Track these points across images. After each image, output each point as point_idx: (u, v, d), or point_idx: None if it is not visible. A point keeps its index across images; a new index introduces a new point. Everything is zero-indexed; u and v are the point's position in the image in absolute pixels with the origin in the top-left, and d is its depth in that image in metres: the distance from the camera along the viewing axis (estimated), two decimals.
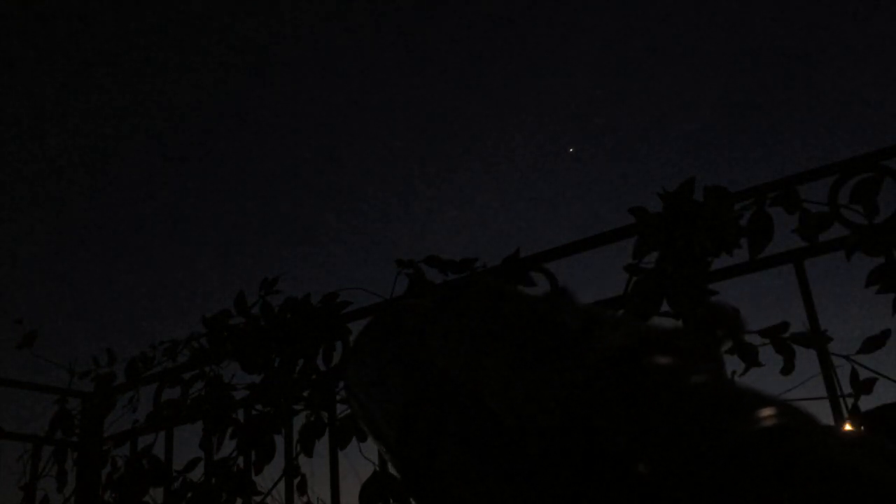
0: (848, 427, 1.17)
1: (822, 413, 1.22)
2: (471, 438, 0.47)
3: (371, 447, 1.59)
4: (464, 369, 0.52)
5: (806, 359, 1.26)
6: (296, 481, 1.66)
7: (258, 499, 1.67)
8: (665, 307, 1.35)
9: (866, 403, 1.19)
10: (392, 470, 1.54)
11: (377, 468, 1.54)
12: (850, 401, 1.21)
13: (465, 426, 0.49)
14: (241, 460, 1.71)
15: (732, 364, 1.30)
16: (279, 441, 1.69)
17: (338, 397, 1.65)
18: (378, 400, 0.57)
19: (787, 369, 1.26)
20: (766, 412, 0.40)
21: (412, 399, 0.53)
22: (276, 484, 1.67)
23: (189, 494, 1.74)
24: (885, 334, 1.22)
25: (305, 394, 1.68)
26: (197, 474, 1.76)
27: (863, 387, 1.20)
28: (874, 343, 1.22)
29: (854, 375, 1.21)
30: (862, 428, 1.07)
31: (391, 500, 1.51)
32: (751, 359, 1.28)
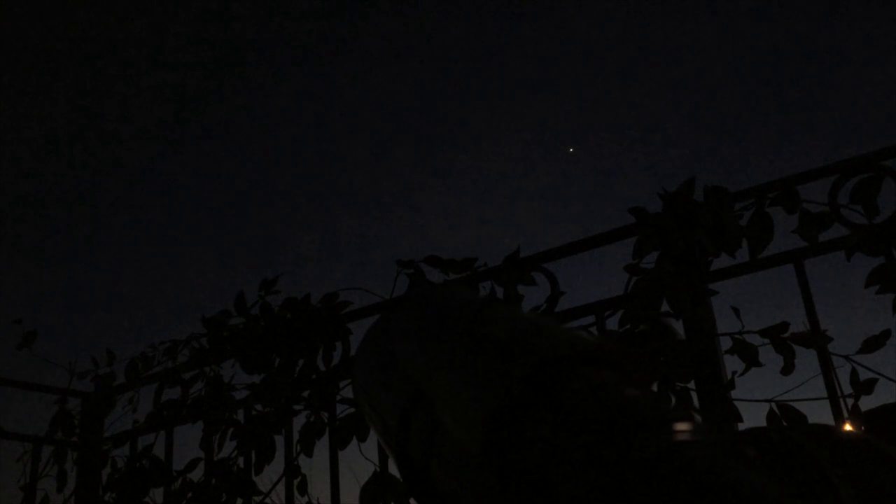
0: (848, 427, 1.17)
1: (823, 413, 1.22)
2: (446, 448, 0.48)
3: (371, 447, 1.59)
4: (422, 380, 0.52)
5: (806, 359, 1.26)
6: (296, 481, 1.66)
7: (258, 499, 1.67)
8: (665, 307, 1.35)
9: (866, 403, 1.19)
10: (392, 470, 1.54)
11: (377, 468, 1.54)
12: (850, 401, 1.21)
13: (440, 434, 0.49)
14: (241, 460, 1.71)
15: (733, 364, 1.30)
16: (279, 441, 1.69)
17: (338, 397, 1.65)
18: (378, 403, 0.58)
19: (788, 369, 1.26)
20: (680, 427, 0.40)
21: (407, 405, 0.53)
22: (276, 484, 1.67)
23: (189, 494, 1.74)
24: (886, 334, 1.22)
25: (305, 394, 1.68)
26: (197, 474, 1.77)
27: (863, 387, 1.20)
28: (874, 343, 1.22)
29: (854, 375, 1.21)
30: (862, 428, 1.07)
31: (392, 501, 1.51)
32: (751, 359, 1.28)
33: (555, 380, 0.43)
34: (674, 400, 1.29)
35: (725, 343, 1.31)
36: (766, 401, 1.25)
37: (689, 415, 0.42)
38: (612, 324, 1.40)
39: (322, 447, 1.64)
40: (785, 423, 1.21)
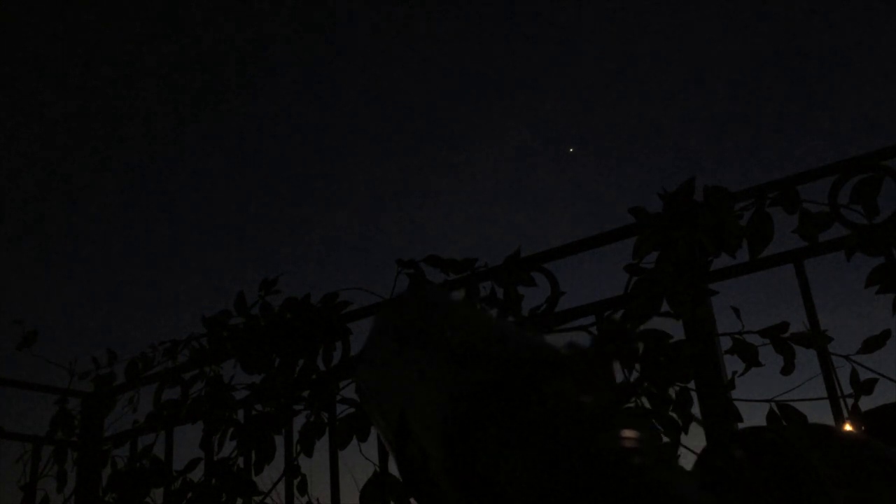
0: (848, 427, 1.17)
1: (823, 413, 1.22)
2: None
3: (371, 447, 1.59)
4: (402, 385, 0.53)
5: (806, 359, 1.26)
6: (296, 481, 1.66)
7: (258, 499, 1.67)
8: (665, 307, 1.35)
9: (866, 404, 1.19)
10: (392, 470, 1.54)
11: (377, 468, 1.54)
12: (850, 401, 1.21)
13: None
14: (241, 460, 1.71)
15: (733, 364, 1.30)
16: (279, 441, 1.69)
17: (338, 397, 1.65)
18: (380, 401, 0.58)
19: (788, 369, 1.26)
20: (627, 434, 0.42)
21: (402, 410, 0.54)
22: (276, 484, 1.67)
23: (189, 494, 1.74)
24: (886, 334, 1.21)
25: (305, 394, 1.67)
26: (197, 474, 1.76)
27: (863, 387, 1.20)
28: (874, 343, 1.22)
29: (854, 375, 1.21)
30: (862, 428, 1.07)
31: (391, 501, 1.51)
32: (751, 359, 1.28)
33: (512, 386, 0.44)
34: (674, 399, 1.29)
35: (725, 343, 1.31)
36: (766, 401, 1.25)
37: (638, 423, 0.43)
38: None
39: (322, 447, 1.64)
40: (785, 423, 1.21)
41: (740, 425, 1.26)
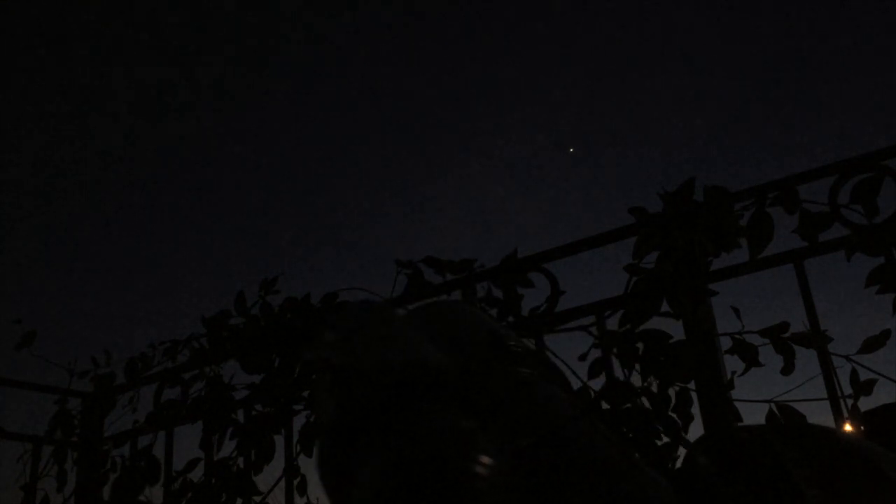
0: (848, 427, 1.17)
1: (823, 413, 1.22)
2: None
3: None
4: None
5: (806, 359, 1.26)
6: (296, 482, 1.66)
7: (258, 499, 1.67)
8: (665, 307, 1.35)
9: (866, 404, 1.19)
10: None
11: None
12: (850, 401, 1.21)
13: None
14: (241, 460, 1.71)
15: (733, 364, 1.30)
16: (279, 441, 1.69)
17: None
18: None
19: (788, 369, 1.26)
20: (482, 460, 0.46)
21: None
22: (276, 484, 1.67)
23: (189, 495, 1.74)
24: (886, 334, 1.21)
25: (305, 394, 1.67)
26: (197, 474, 1.77)
27: (863, 387, 1.20)
28: (874, 343, 1.22)
29: (854, 375, 1.21)
30: (862, 428, 1.07)
31: None
32: (751, 359, 1.28)
33: (381, 406, 0.47)
34: (674, 400, 1.28)
35: (725, 343, 1.31)
36: (766, 401, 1.25)
37: (488, 450, 0.45)
38: (612, 324, 1.40)
39: None
40: (784, 424, 1.21)
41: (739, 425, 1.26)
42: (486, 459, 0.43)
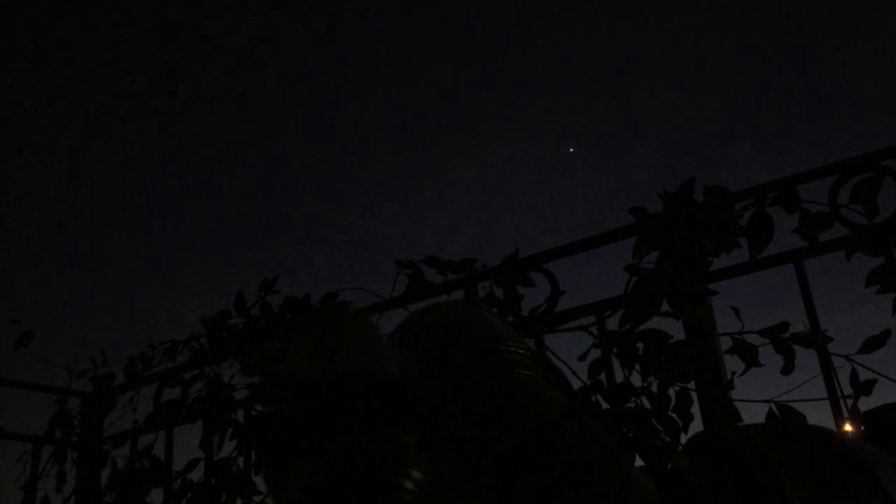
0: (848, 427, 1.17)
1: (823, 413, 1.22)
2: None
3: None
4: None
5: (806, 359, 1.26)
6: None
7: (258, 499, 1.67)
8: (665, 307, 1.34)
9: (866, 404, 1.19)
10: None
11: None
12: (850, 401, 1.21)
13: None
14: (241, 460, 1.71)
15: (733, 364, 1.30)
16: None
17: None
18: None
19: (788, 369, 1.26)
20: (413, 474, 0.49)
21: None
22: None
23: (189, 495, 1.74)
24: (886, 334, 1.21)
25: None
26: (197, 474, 1.76)
27: (863, 387, 1.20)
28: (874, 343, 1.22)
29: (854, 376, 1.21)
30: (862, 428, 1.07)
31: None
32: (751, 359, 1.28)
33: (319, 417, 0.49)
34: (674, 399, 1.28)
35: (725, 343, 1.31)
36: (766, 401, 1.25)
37: (419, 463, 0.47)
38: (612, 323, 1.40)
39: None
40: (775, 424, 1.21)
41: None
42: (417, 476, 0.44)
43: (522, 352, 0.76)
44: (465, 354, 0.69)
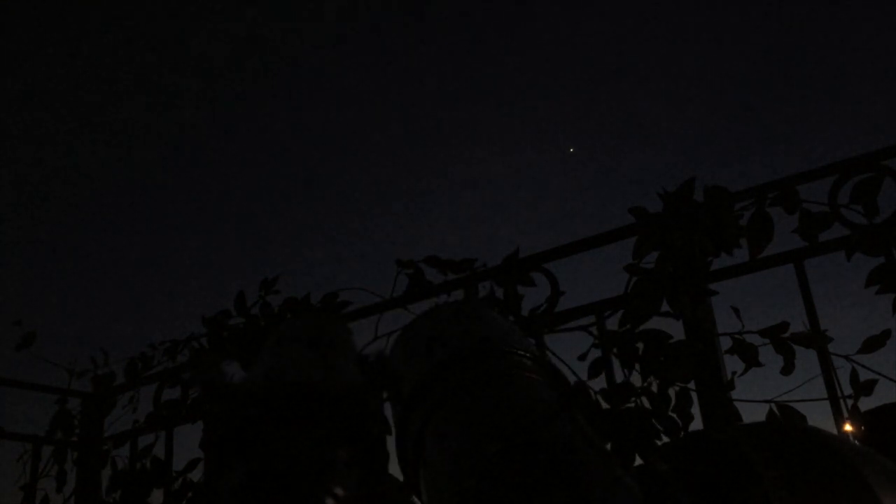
0: (848, 427, 1.17)
1: (823, 413, 1.22)
2: None
3: None
4: None
5: (806, 359, 1.26)
6: None
7: None
8: (665, 307, 1.34)
9: (867, 404, 1.19)
10: (392, 471, 1.54)
11: None
12: (850, 401, 1.21)
13: None
14: None
15: (733, 364, 1.30)
16: None
17: None
18: None
19: (788, 369, 1.26)
20: (335, 489, 0.51)
21: None
22: None
23: (189, 495, 1.73)
24: (886, 334, 1.21)
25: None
26: (197, 474, 1.76)
27: (863, 387, 1.20)
28: (874, 343, 1.21)
29: (854, 376, 1.21)
30: (862, 428, 1.07)
31: None
32: (751, 359, 1.28)
33: (248, 427, 0.53)
34: (674, 400, 1.28)
35: (725, 343, 1.31)
36: (766, 401, 1.25)
37: (347, 478, 0.47)
38: (612, 323, 1.40)
39: None
40: (784, 424, 1.21)
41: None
42: (341, 492, 0.45)
43: (522, 353, 0.76)
44: (465, 356, 0.69)
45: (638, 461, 1.21)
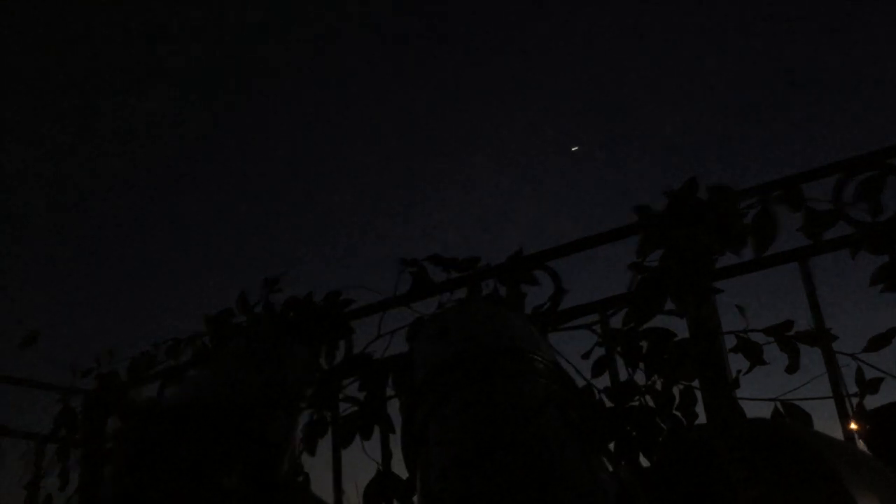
0: (853, 426, 1.17)
1: (828, 411, 1.22)
2: None
3: (374, 446, 1.59)
4: None
5: (811, 357, 1.25)
6: (298, 480, 1.65)
7: None
8: (669, 305, 1.34)
9: (872, 402, 1.19)
10: (395, 469, 1.54)
11: (380, 467, 1.54)
12: (855, 399, 1.21)
13: None
14: None
15: (737, 362, 1.30)
16: None
17: (340, 396, 1.64)
18: None
19: (792, 368, 1.26)
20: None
21: None
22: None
23: None
24: (891, 332, 1.21)
25: (309, 392, 1.67)
26: None
27: (868, 386, 1.19)
28: (880, 341, 1.21)
29: (860, 374, 1.21)
30: (867, 427, 1.06)
31: (394, 499, 1.51)
32: (755, 357, 1.28)
33: (156, 444, 0.52)
34: (678, 398, 1.28)
35: (730, 341, 1.31)
36: (771, 399, 1.25)
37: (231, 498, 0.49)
38: (616, 322, 1.40)
39: (324, 446, 1.63)
40: (788, 422, 1.21)
41: None
42: None
43: (534, 355, 0.75)
44: (477, 353, 0.69)
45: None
